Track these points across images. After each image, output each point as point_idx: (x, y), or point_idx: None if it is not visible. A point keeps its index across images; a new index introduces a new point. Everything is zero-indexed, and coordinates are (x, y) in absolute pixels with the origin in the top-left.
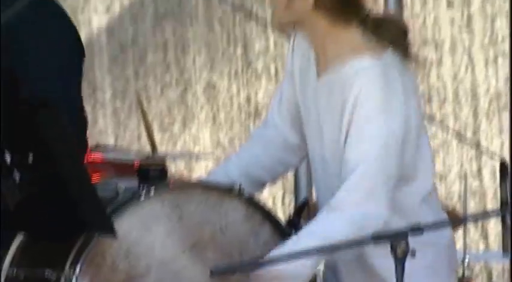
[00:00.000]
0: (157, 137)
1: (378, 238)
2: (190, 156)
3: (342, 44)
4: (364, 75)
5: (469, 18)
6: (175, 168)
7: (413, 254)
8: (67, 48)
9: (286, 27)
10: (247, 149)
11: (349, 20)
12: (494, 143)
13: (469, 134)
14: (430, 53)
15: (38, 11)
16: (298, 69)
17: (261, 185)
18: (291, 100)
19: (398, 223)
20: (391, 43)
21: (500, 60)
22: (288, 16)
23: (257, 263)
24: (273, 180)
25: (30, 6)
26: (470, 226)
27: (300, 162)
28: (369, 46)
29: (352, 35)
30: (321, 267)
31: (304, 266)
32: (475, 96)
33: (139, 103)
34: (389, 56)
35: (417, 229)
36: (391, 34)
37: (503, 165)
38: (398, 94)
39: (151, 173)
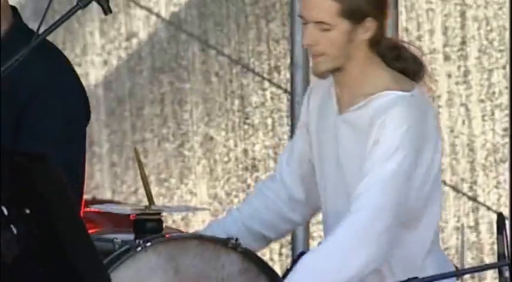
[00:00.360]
0: (154, 190)
1: None
2: (187, 210)
3: (372, 81)
4: (389, 110)
5: (466, 72)
6: (172, 222)
7: None
8: (71, 102)
9: (327, 73)
10: (249, 202)
11: (379, 48)
12: (491, 197)
13: (466, 188)
14: None
15: (47, 64)
16: (315, 114)
17: (264, 240)
18: (302, 153)
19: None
20: (406, 67)
21: (497, 114)
22: (338, 58)
23: None
24: (277, 237)
25: (40, 56)
26: (468, 279)
27: (303, 221)
28: (397, 83)
29: (383, 71)
30: None
31: None
32: (472, 150)
33: (136, 154)
34: (417, 94)
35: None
36: (406, 58)
37: (500, 216)
38: (422, 132)
39: (148, 226)
